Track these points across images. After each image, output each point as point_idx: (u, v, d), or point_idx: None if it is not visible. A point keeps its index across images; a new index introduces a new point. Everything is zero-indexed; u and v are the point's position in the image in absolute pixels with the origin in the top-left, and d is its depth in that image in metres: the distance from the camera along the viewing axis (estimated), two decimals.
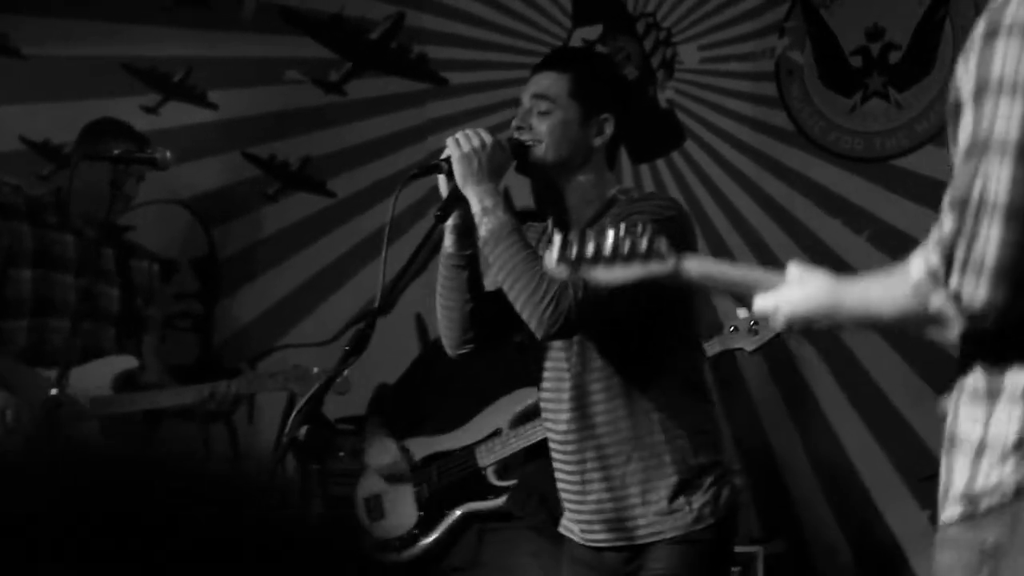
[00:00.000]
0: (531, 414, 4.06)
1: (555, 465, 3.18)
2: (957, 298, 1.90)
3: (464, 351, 3.09)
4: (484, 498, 4.21)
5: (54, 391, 3.91)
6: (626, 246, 2.28)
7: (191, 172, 5.28)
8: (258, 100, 5.41)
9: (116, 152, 4.20)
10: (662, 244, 2.29)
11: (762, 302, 2.23)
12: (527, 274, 2.83)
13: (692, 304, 3.14)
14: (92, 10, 5.41)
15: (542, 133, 3.02)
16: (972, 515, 1.95)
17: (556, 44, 5.18)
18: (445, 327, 3.07)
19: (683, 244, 2.64)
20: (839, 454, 4.79)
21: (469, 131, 2.94)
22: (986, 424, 1.96)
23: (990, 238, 1.86)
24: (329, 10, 5.39)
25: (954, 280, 1.89)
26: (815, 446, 4.85)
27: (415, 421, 4.44)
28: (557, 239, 2.26)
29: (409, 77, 5.35)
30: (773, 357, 4.82)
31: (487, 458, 4.21)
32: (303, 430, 2.64)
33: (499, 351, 3.39)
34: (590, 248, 2.27)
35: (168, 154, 4.08)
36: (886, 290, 2.04)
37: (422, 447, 4.35)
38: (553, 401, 3.14)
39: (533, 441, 4.03)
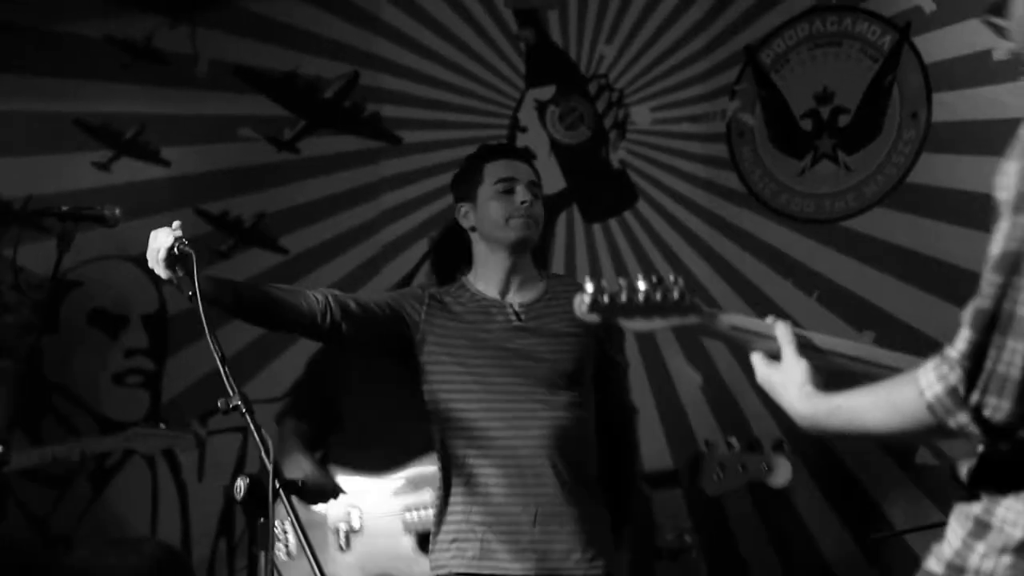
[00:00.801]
0: None
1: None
2: (978, 412, 1.88)
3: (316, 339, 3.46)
4: (403, 563, 3.95)
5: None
6: (659, 296, 2.27)
7: (143, 228, 5.19)
8: (211, 157, 5.41)
9: (64, 208, 4.17)
10: (694, 299, 2.29)
11: (762, 376, 2.23)
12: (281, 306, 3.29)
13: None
14: (45, 66, 5.39)
15: (541, 215, 3.46)
16: None
17: (509, 104, 5.21)
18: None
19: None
20: (790, 512, 4.79)
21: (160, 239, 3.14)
22: (991, 511, 1.94)
23: (1016, 352, 1.85)
24: (283, 68, 5.41)
25: (975, 395, 1.87)
26: (766, 504, 4.85)
27: (334, 419, 4.21)
28: (589, 286, 2.25)
29: (363, 135, 5.36)
30: (728, 424, 4.83)
31: (413, 521, 3.99)
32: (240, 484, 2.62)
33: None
34: (623, 296, 2.27)
35: (117, 211, 4.04)
36: (892, 407, 1.99)
37: (345, 485, 4.08)
38: None
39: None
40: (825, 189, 4.87)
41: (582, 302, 2.25)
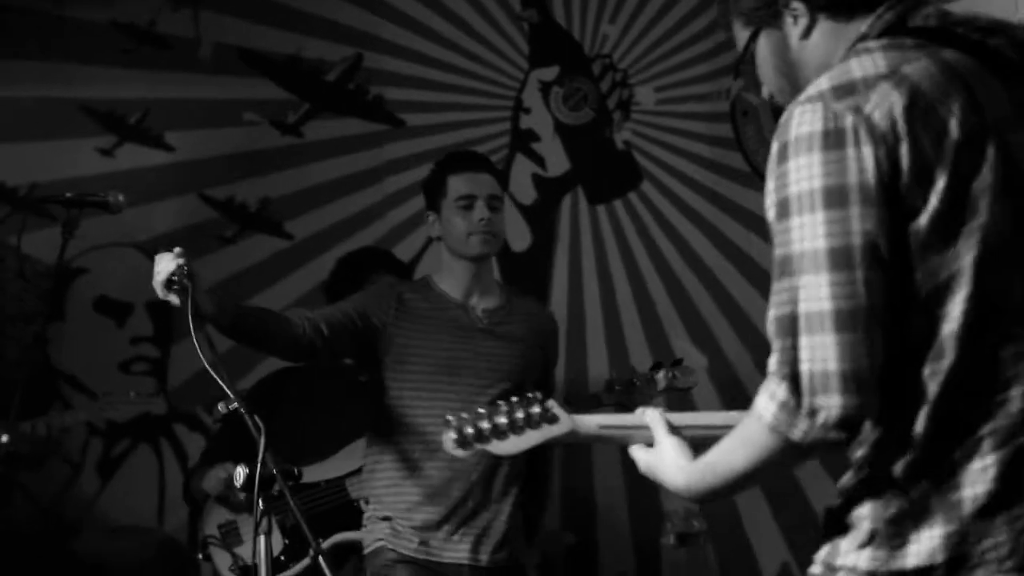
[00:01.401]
0: None
1: None
2: (813, 415, 1.90)
3: (293, 362, 3.70)
4: (357, 528, 4.04)
5: (5, 438, 3.86)
6: (520, 418, 2.30)
7: (147, 214, 5.25)
8: (215, 142, 5.39)
9: (68, 195, 4.17)
10: (554, 407, 2.31)
11: (639, 461, 2.27)
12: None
13: None
14: (48, 52, 5.38)
15: (502, 224, 3.69)
16: None
17: (513, 85, 5.19)
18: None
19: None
20: (798, 496, 4.80)
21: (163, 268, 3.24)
22: (857, 507, 2.00)
23: (826, 346, 1.88)
24: (287, 51, 5.39)
25: (805, 401, 1.90)
26: (775, 489, 4.86)
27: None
28: (451, 419, 2.26)
29: (366, 118, 5.35)
30: (733, 403, 4.83)
31: (359, 491, 4.12)
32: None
33: (346, 377, 3.99)
34: (486, 425, 2.28)
35: (121, 197, 4.04)
36: (744, 443, 2.01)
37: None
38: None
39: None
40: None
41: (448, 440, 2.26)
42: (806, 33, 2.13)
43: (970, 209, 1.92)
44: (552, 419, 2.30)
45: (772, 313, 1.95)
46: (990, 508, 1.90)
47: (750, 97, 4.99)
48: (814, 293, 1.90)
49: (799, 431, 1.91)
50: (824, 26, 2.12)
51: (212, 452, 4.43)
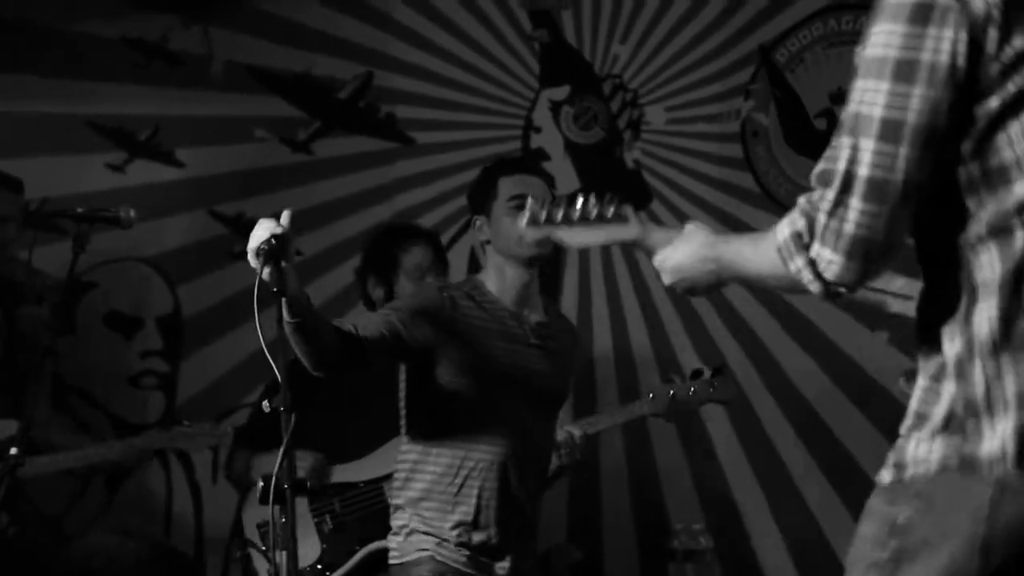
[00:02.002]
0: None
1: None
2: (813, 264, 1.96)
3: (319, 374, 3.28)
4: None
5: (14, 450, 3.85)
6: (593, 211, 2.37)
7: (157, 230, 5.26)
8: (226, 158, 5.41)
9: (78, 210, 4.19)
10: (628, 210, 2.38)
11: (655, 259, 2.30)
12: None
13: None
14: (59, 68, 5.40)
15: None
16: (898, 481, 1.97)
17: (524, 105, 5.21)
18: (302, 357, 3.24)
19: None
20: (804, 510, 4.79)
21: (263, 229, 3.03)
22: (926, 400, 1.99)
23: (849, 208, 1.92)
24: (298, 69, 5.41)
25: (814, 247, 1.95)
26: (780, 503, 4.85)
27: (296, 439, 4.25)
28: (530, 203, 2.40)
29: (377, 136, 5.36)
30: (739, 420, 4.83)
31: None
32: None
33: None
34: (559, 213, 2.39)
35: (132, 212, 4.06)
36: (757, 249, 2.08)
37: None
38: None
39: None
40: None
41: (521, 219, 2.40)
42: None
43: None
44: (623, 220, 2.37)
45: (820, 163, 1.98)
46: None
47: (760, 118, 5.00)
48: (854, 155, 1.92)
49: (795, 266, 1.97)
50: None
51: (248, 434, 4.38)
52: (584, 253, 5.10)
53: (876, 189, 1.91)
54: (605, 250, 5.10)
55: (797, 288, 2.02)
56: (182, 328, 5.36)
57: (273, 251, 2.96)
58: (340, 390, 4.14)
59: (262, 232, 3.00)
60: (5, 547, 3.93)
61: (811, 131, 4.92)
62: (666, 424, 4.90)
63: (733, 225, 4.98)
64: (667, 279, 2.29)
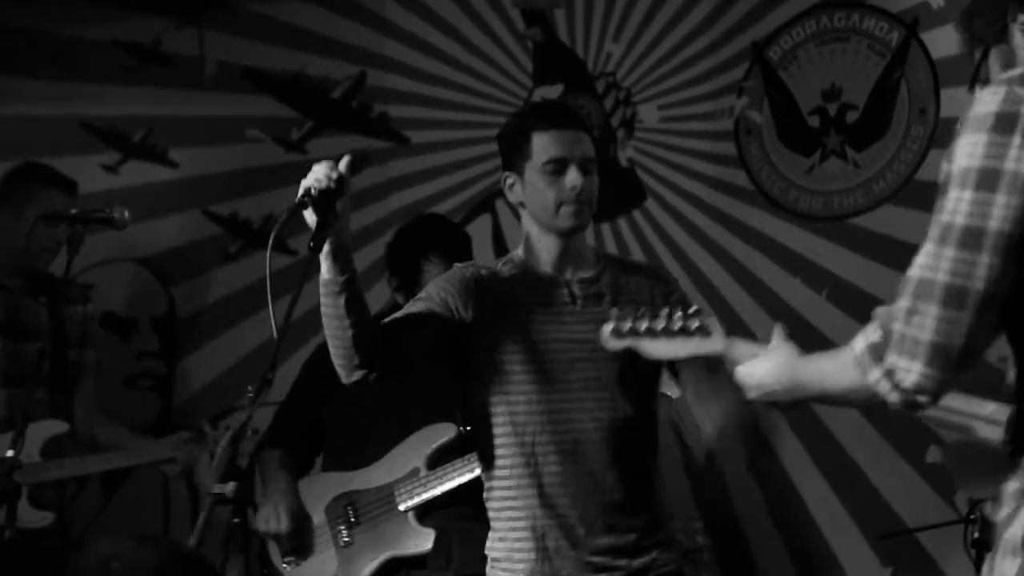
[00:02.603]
0: (447, 452, 3.98)
1: None
2: (890, 374, 1.98)
3: (356, 378, 2.92)
4: (407, 542, 4.03)
5: (10, 452, 3.86)
6: (678, 324, 2.42)
7: (152, 230, 5.27)
8: (219, 159, 5.41)
9: (73, 212, 4.19)
10: (712, 323, 2.42)
11: (740, 372, 2.33)
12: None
13: None
14: (52, 70, 5.40)
15: (595, 194, 3.11)
16: None
17: (517, 104, 5.21)
18: (334, 356, 2.92)
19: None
20: (802, 511, 4.79)
21: (324, 166, 2.83)
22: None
23: (927, 315, 1.95)
24: (291, 69, 5.41)
25: (890, 357, 1.98)
26: (778, 503, 4.85)
27: (317, 448, 4.27)
28: (614, 313, 2.44)
29: (371, 136, 5.36)
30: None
31: (407, 500, 4.03)
32: (230, 486, 2.54)
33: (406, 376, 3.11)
34: (643, 324, 2.43)
35: (126, 213, 4.07)
36: (836, 365, 2.10)
37: (331, 484, 4.15)
38: None
39: (454, 484, 3.94)
40: (834, 186, 4.87)
41: (605, 330, 2.40)
42: None
43: None
44: (707, 333, 2.40)
45: (907, 273, 2.02)
46: None
47: (753, 115, 5.00)
48: (936, 263, 1.96)
49: (872, 377, 1.99)
50: None
51: (279, 434, 4.31)
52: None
53: (954, 296, 1.94)
54: (597, 233, 5.10)
55: (877, 401, 2.03)
56: (177, 329, 5.37)
57: (329, 195, 2.74)
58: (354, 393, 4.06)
59: (320, 172, 2.78)
60: (4, 550, 3.93)
61: (804, 128, 4.92)
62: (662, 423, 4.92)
63: (727, 222, 4.99)
64: (751, 394, 2.32)
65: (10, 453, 3.86)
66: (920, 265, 1.98)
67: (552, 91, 5.25)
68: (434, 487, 3.99)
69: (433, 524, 4.01)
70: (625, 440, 3.06)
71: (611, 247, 5.10)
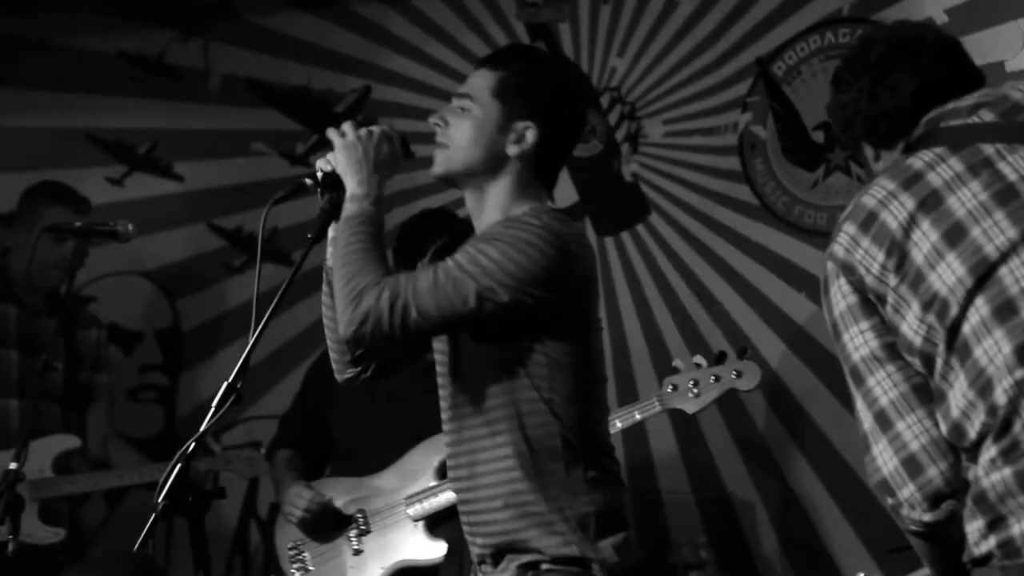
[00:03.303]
0: None
1: None
2: (911, 508, 2.19)
3: (349, 375, 2.84)
4: (418, 551, 4.07)
5: (13, 465, 3.85)
6: None
7: (156, 243, 5.28)
8: (224, 172, 5.42)
9: (78, 224, 4.20)
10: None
11: None
12: (349, 265, 2.62)
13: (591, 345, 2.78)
14: (57, 82, 5.41)
15: (457, 133, 2.81)
16: None
17: None
18: (330, 350, 2.85)
19: (540, 278, 2.60)
20: (807, 526, 4.79)
21: (357, 123, 2.78)
22: None
23: (883, 450, 2.20)
24: (295, 83, 5.42)
25: (895, 499, 2.21)
26: (783, 518, 4.84)
27: (326, 451, 4.31)
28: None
29: None
30: (744, 439, 4.82)
31: (418, 510, 4.07)
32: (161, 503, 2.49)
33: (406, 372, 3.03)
34: None
35: (130, 226, 4.07)
36: (916, 547, 2.32)
37: (344, 490, 4.17)
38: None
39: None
40: (839, 201, 4.86)
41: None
42: (877, 159, 2.54)
43: (916, 279, 2.18)
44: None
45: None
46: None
47: (758, 130, 5.01)
48: (860, 415, 2.24)
49: (910, 525, 2.20)
50: (884, 157, 2.51)
51: (287, 436, 4.41)
52: None
53: (881, 422, 2.20)
54: (605, 275, 5.11)
55: (936, 545, 2.24)
56: (181, 341, 5.37)
57: (339, 180, 2.66)
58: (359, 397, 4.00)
59: (369, 128, 2.74)
60: (6, 564, 3.93)
61: (809, 144, 4.92)
62: (666, 436, 4.92)
63: (731, 237, 4.99)
64: None
65: (13, 465, 3.86)
66: (859, 425, 2.24)
67: None
68: (443, 498, 4.00)
69: (444, 534, 4.03)
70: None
71: (615, 262, 5.10)
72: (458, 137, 2.80)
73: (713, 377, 4.01)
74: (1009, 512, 2.06)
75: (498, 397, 2.69)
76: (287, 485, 4.23)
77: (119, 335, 5.28)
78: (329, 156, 2.77)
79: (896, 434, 2.16)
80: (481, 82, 2.81)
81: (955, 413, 2.13)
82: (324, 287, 2.84)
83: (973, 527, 2.10)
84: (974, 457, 2.11)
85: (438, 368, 2.84)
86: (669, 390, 4.01)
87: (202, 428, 2.49)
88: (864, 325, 2.22)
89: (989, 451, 2.09)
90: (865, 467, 2.23)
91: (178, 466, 2.45)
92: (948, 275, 2.14)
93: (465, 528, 2.81)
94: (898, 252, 2.19)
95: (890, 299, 2.18)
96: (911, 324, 2.16)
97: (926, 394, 2.17)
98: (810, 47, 4.94)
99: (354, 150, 2.73)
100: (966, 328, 2.12)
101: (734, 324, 4.91)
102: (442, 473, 4.01)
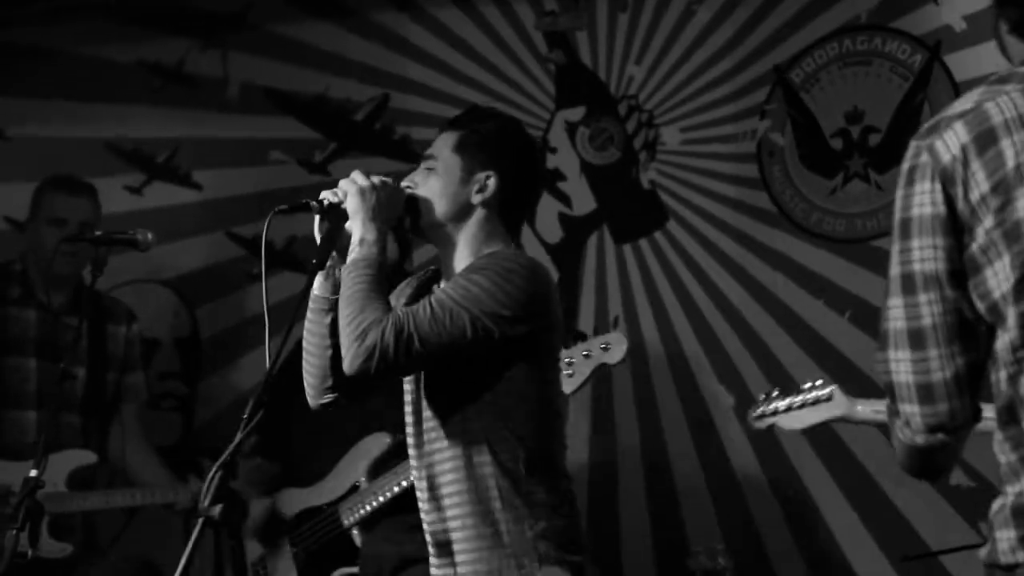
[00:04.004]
0: (385, 462, 4.03)
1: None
2: (908, 422, 2.14)
3: (325, 401, 2.97)
4: (354, 561, 4.10)
5: (34, 472, 3.86)
6: (809, 397, 3.12)
7: (175, 252, 5.29)
8: (243, 180, 5.43)
9: (97, 233, 4.21)
10: (834, 390, 3.01)
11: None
12: (353, 304, 2.78)
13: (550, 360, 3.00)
14: (76, 91, 5.43)
15: (425, 190, 3.00)
16: None
17: (540, 126, 5.22)
18: (307, 375, 2.98)
19: (519, 304, 2.80)
20: (824, 533, 4.78)
21: (368, 174, 2.94)
22: None
23: (902, 360, 2.13)
24: (314, 91, 5.43)
25: (900, 408, 2.15)
26: (800, 525, 4.83)
27: (290, 464, 4.38)
28: (761, 400, 3.06)
29: (393, 158, 5.37)
30: (761, 445, 4.81)
31: (349, 517, 4.13)
32: (217, 508, 2.55)
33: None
34: (781, 404, 3.20)
35: (149, 235, 4.07)
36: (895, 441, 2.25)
37: (292, 502, 4.25)
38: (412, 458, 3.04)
39: (393, 494, 3.97)
40: (856, 208, 4.86)
41: (751, 416, 2.87)
42: (1005, 49, 2.27)
43: (1013, 234, 2.05)
44: (830, 399, 2.81)
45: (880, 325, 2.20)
46: None
47: (776, 138, 5.00)
48: (894, 313, 2.14)
49: (901, 435, 2.16)
50: (1012, 47, 2.24)
51: (265, 445, 4.47)
52: (601, 285, 5.11)
53: (913, 337, 2.12)
54: (624, 282, 5.11)
55: (924, 458, 2.19)
56: (200, 350, 5.38)
57: (341, 211, 2.84)
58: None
59: (344, 184, 2.89)
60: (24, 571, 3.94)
61: (827, 151, 4.91)
62: (685, 442, 4.92)
63: (749, 244, 4.98)
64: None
65: (33, 473, 3.87)
66: (885, 318, 2.16)
67: (574, 114, 5.25)
68: (372, 502, 4.08)
69: (381, 534, 4.08)
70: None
71: (633, 269, 5.10)
72: (427, 193, 3.01)
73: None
74: None
75: (467, 425, 2.90)
76: (251, 499, 4.40)
77: None
78: (336, 190, 2.93)
79: (924, 358, 2.10)
80: (443, 143, 3.06)
81: (1011, 403, 2.08)
82: (309, 314, 2.96)
83: (1004, 535, 2.06)
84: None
85: (406, 397, 3.03)
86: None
87: (236, 439, 2.56)
88: (942, 242, 2.09)
89: None
90: (874, 359, 2.19)
91: (217, 475, 2.51)
92: None
93: (431, 551, 2.98)
94: (1004, 193, 2.06)
95: (979, 237, 2.07)
96: (997, 273, 2.07)
97: (972, 335, 2.11)
98: (828, 54, 4.93)
99: (366, 198, 2.89)
100: None
101: (752, 331, 4.91)
102: (373, 474, 4.13)
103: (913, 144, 2.15)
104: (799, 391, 2.84)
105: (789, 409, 2.85)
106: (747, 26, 5.04)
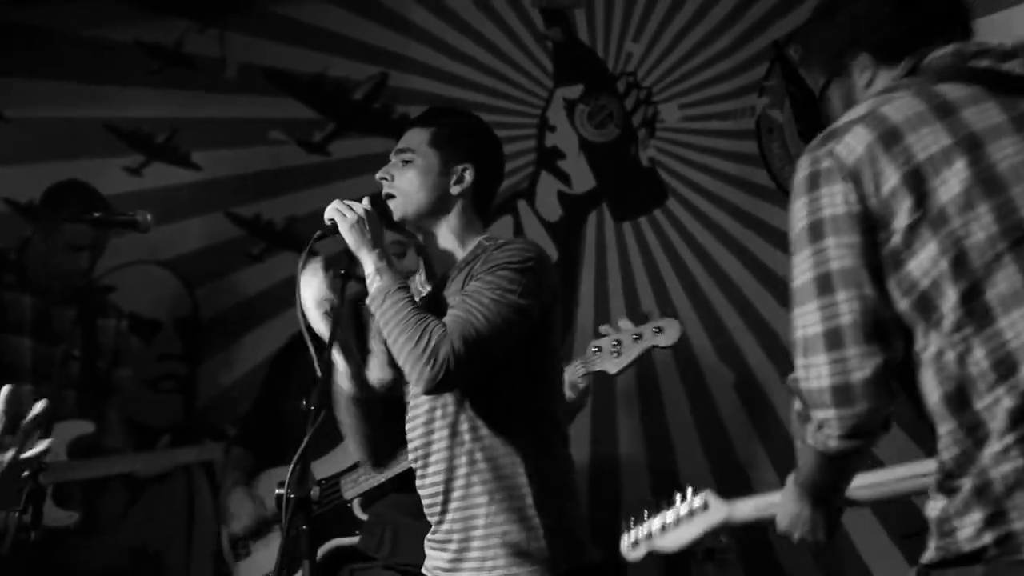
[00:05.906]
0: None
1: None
2: (820, 427, 2.16)
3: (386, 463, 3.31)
4: (351, 533, 4.11)
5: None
6: (683, 511, 2.73)
7: (175, 233, 5.29)
8: (242, 160, 5.42)
9: (96, 215, 4.21)
10: (709, 497, 2.72)
11: (779, 528, 2.57)
12: (409, 328, 2.90)
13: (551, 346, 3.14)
14: (75, 72, 5.42)
15: (403, 182, 3.13)
16: None
17: (538, 104, 5.21)
18: (357, 451, 3.23)
19: (541, 290, 2.97)
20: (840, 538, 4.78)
21: (347, 203, 3.06)
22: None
23: (819, 365, 2.13)
24: (312, 71, 5.42)
25: (814, 413, 2.16)
26: None
27: (280, 444, 4.38)
28: (632, 525, 2.84)
29: (392, 137, 5.27)
30: (765, 422, 4.82)
31: (351, 490, 4.13)
32: (315, 490, 2.63)
33: None
34: (654, 526, 2.76)
35: (148, 216, 4.08)
36: (801, 448, 2.28)
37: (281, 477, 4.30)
38: (417, 438, 3.17)
39: (395, 472, 3.98)
40: None
41: (623, 545, 2.73)
42: (869, 84, 2.36)
43: (939, 220, 2.10)
44: (707, 508, 2.70)
45: (792, 337, 2.20)
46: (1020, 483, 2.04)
47: (775, 114, 5.00)
48: (806, 320, 2.15)
49: (813, 440, 2.18)
50: (882, 76, 2.34)
51: (246, 434, 4.58)
52: (600, 263, 5.11)
53: (831, 338, 2.13)
54: (623, 260, 5.10)
55: (833, 465, 2.26)
56: (200, 331, 5.39)
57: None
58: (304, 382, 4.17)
59: (363, 208, 3.06)
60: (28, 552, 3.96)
61: (826, 127, 4.90)
62: (688, 424, 4.92)
63: (748, 220, 4.98)
64: (796, 535, 2.53)
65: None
66: (798, 327, 2.16)
67: (573, 91, 5.25)
68: (376, 477, 4.08)
69: (375, 512, 4.10)
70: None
71: (633, 247, 5.10)
72: (406, 185, 3.13)
73: (634, 336, 3.92)
74: (1013, 507, 2.01)
75: (496, 426, 3.04)
76: (229, 489, 4.47)
77: (138, 325, 5.29)
78: (328, 215, 3.07)
79: (843, 357, 2.10)
80: (417, 137, 3.19)
81: (961, 384, 2.08)
82: (345, 410, 3.14)
83: (968, 520, 2.05)
84: (980, 443, 2.05)
85: (416, 401, 3.15)
86: (593, 351, 3.96)
87: (304, 440, 2.67)
88: (858, 239, 2.12)
89: (1004, 439, 2.03)
90: (795, 367, 2.17)
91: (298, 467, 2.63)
92: (977, 229, 2.08)
93: (440, 552, 3.13)
94: (919, 185, 2.11)
95: (897, 230, 2.11)
96: (922, 264, 2.09)
97: (889, 336, 2.12)
98: None
99: (364, 230, 3.01)
100: (991, 294, 2.05)
101: (751, 307, 4.91)
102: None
103: (807, 155, 2.21)
104: (670, 504, 2.74)
105: (664, 529, 2.73)
106: (745, 2, 5.04)
